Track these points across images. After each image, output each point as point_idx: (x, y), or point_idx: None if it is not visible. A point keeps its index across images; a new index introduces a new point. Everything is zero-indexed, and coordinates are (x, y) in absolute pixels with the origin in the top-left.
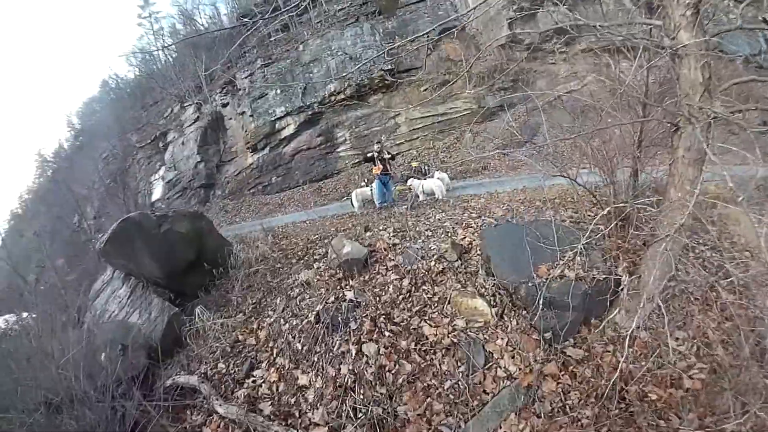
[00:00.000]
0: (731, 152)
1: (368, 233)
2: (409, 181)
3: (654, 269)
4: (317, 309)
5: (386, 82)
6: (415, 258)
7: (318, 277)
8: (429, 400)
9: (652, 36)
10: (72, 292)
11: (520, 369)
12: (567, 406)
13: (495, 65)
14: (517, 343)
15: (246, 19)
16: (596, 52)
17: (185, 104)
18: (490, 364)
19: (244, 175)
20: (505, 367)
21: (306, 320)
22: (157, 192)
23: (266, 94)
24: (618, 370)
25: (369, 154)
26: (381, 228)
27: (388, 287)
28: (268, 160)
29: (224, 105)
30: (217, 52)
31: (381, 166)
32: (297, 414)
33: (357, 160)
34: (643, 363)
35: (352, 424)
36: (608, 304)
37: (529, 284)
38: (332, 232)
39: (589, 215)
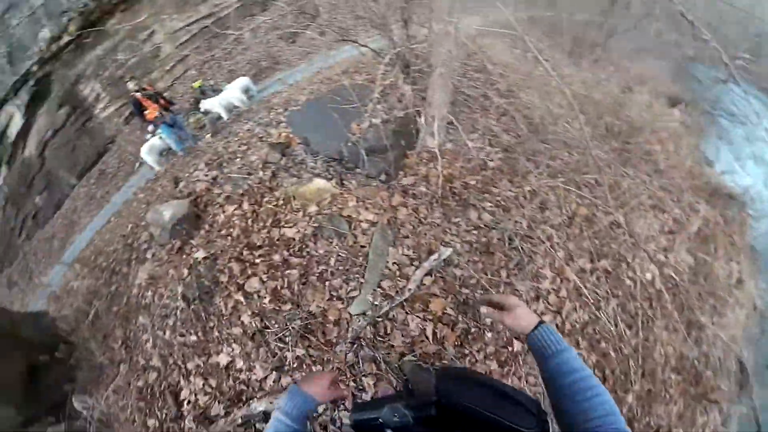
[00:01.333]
0: None
1: (181, 183)
2: (202, 105)
3: (437, 93)
4: (179, 291)
5: None
6: (241, 178)
7: (157, 263)
8: (327, 283)
9: None
10: None
11: (376, 214)
12: (421, 219)
13: None
14: (365, 196)
15: None
16: None
17: None
18: (353, 224)
19: None
20: (365, 219)
21: (179, 310)
22: None
23: None
24: (441, 177)
25: (131, 98)
26: (191, 171)
27: (233, 220)
28: (12, 182)
29: None
30: None
31: (155, 106)
32: (244, 389)
33: (129, 111)
34: (456, 164)
35: (289, 351)
36: (416, 132)
37: (349, 144)
38: (144, 209)
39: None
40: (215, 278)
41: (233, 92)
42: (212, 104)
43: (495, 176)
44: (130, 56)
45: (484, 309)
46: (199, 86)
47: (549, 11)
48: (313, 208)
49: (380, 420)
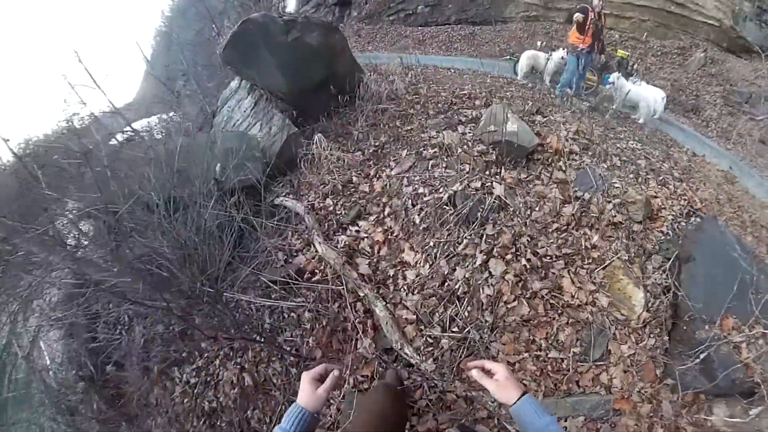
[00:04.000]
0: None
1: (540, 117)
2: (612, 76)
3: None
4: (454, 188)
5: None
6: (592, 186)
7: (464, 147)
8: (526, 354)
9: None
10: (211, 98)
11: (621, 389)
12: None
13: None
14: (637, 363)
15: None
16: None
17: None
18: (602, 363)
19: None
20: (611, 376)
21: (436, 195)
22: (291, 5)
23: None
24: None
25: (578, 11)
26: (559, 119)
27: (545, 204)
28: None
29: None
30: None
31: (589, 36)
32: (391, 288)
33: (534, 13)
34: None
35: (442, 333)
36: None
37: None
38: (485, 95)
39: None
40: (485, 220)
41: (649, 93)
42: (619, 84)
43: None
44: None
45: (474, 373)
46: (621, 56)
47: None
48: (603, 300)
49: None
